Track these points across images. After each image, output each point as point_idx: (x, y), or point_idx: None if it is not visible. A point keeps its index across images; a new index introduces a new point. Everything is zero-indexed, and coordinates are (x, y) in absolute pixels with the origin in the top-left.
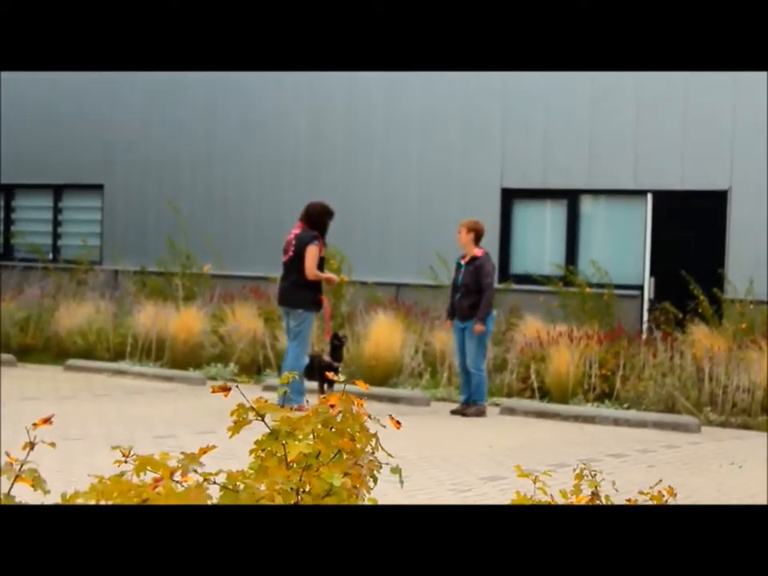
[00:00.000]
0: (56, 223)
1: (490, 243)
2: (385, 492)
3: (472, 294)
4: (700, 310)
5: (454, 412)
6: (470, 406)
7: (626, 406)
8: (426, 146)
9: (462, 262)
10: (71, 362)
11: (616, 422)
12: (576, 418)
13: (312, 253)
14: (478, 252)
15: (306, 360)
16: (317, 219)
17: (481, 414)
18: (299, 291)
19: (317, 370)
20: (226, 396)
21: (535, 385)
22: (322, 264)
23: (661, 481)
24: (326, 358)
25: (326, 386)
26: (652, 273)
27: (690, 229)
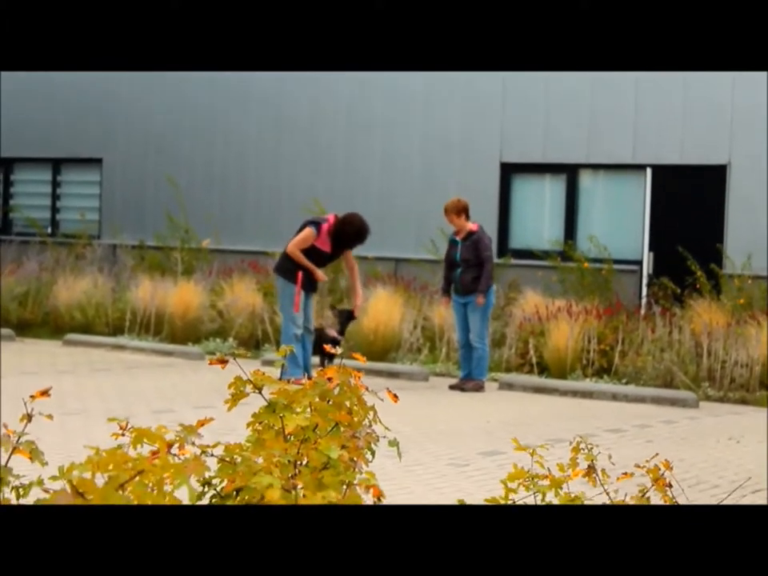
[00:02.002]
0: (54, 197)
1: (489, 217)
2: (382, 466)
3: (472, 269)
4: (698, 286)
5: (452, 387)
6: (469, 381)
7: (624, 381)
8: (426, 121)
9: (458, 238)
10: (70, 336)
11: (614, 397)
12: (574, 393)
13: (304, 233)
14: (472, 227)
15: (295, 330)
16: (340, 229)
17: (479, 389)
18: (282, 260)
19: (320, 344)
20: (223, 368)
21: (534, 360)
22: (323, 261)
23: (657, 454)
24: (331, 331)
25: (326, 360)
26: (651, 248)
27: (688, 204)
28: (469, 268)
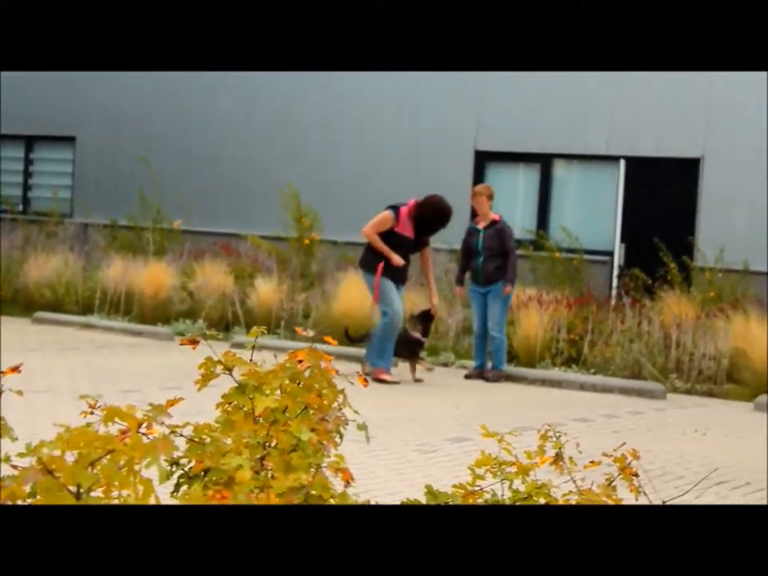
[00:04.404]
0: (26, 175)
1: (463, 205)
2: (349, 450)
3: (495, 258)
4: (669, 277)
5: (468, 376)
6: (491, 371)
7: (592, 371)
8: (401, 107)
9: (479, 227)
10: (39, 314)
11: (582, 386)
12: (543, 382)
13: (380, 216)
14: (495, 216)
15: (392, 319)
16: (420, 212)
17: (500, 378)
18: (363, 252)
19: (404, 346)
20: (193, 348)
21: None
22: (406, 248)
23: (624, 444)
24: (415, 333)
25: (413, 361)
26: (622, 239)
27: (661, 196)
28: (492, 257)
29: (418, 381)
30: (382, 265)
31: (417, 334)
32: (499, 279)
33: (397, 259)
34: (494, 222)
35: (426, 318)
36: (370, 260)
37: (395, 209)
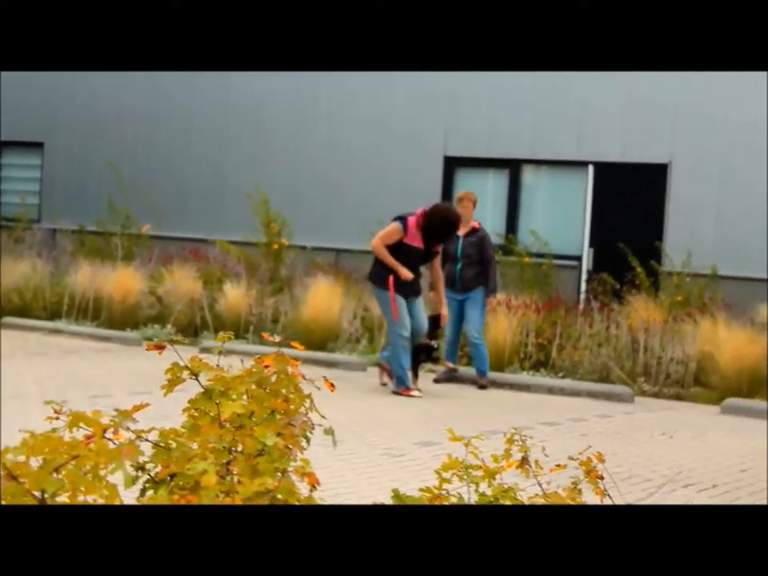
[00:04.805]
0: None
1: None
2: (317, 454)
3: (474, 265)
4: (637, 282)
5: (437, 380)
6: (481, 378)
7: (561, 375)
8: (371, 112)
9: (459, 234)
10: (6, 319)
11: (551, 390)
12: (511, 386)
13: (388, 228)
14: (476, 224)
15: (402, 339)
16: (427, 221)
17: (488, 384)
18: (372, 266)
19: (415, 352)
20: (160, 354)
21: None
22: (416, 259)
23: (590, 447)
24: (424, 339)
25: (419, 366)
26: (591, 244)
27: (629, 201)
28: (470, 264)
29: (416, 392)
30: (391, 278)
31: (426, 340)
32: (477, 286)
33: (405, 273)
34: (474, 230)
35: (433, 323)
36: (378, 274)
37: (402, 220)
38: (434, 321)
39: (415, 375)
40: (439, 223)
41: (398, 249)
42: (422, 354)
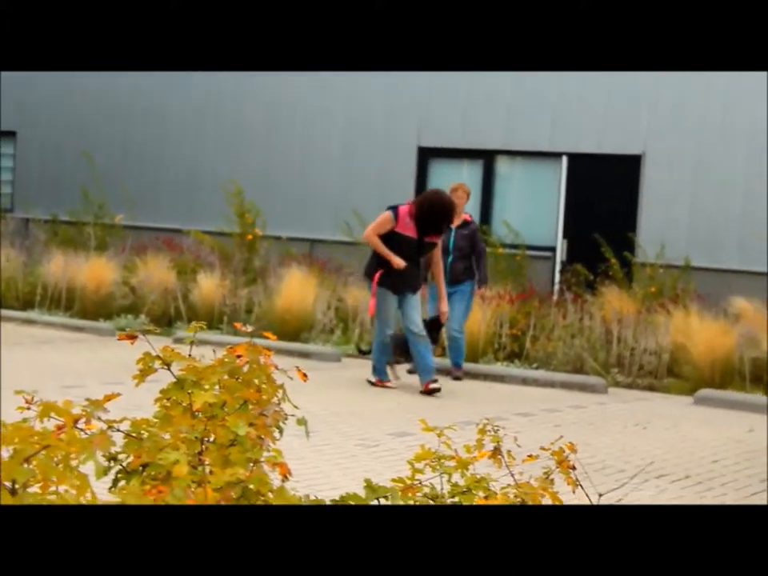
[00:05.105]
0: None
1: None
2: (290, 445)
3: (465, 258)
4: (611, 273)
5: (411, 371)
6: (457, 370)
7: (535, 365)
8: (346, 103)
9: (452, 226)
10: None
11: (524, 381)
12: (485, 377)
13: (379, 217)
14: (467, 216)
15: (383, 337)
16: (420, 208)
17: (463, 376)
18: (369, 259)
19: (400, 350)
20: (132, 344)
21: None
22: (412, 250)
23: (562, 437)
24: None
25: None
26: (565, 235)
27: (603, 192)
28: (462, 257)
29: (391, 383)
30: (379, 273)
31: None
32: (466, 279)
33: (397, 261)
34: (466, 222)
35: (432, 325)
36: (371, 267)
37: (394, 209)
38: (433, 323)
39: (394, 372)
40: (428, 210)
41: (390, 239)
42: (407, 355)
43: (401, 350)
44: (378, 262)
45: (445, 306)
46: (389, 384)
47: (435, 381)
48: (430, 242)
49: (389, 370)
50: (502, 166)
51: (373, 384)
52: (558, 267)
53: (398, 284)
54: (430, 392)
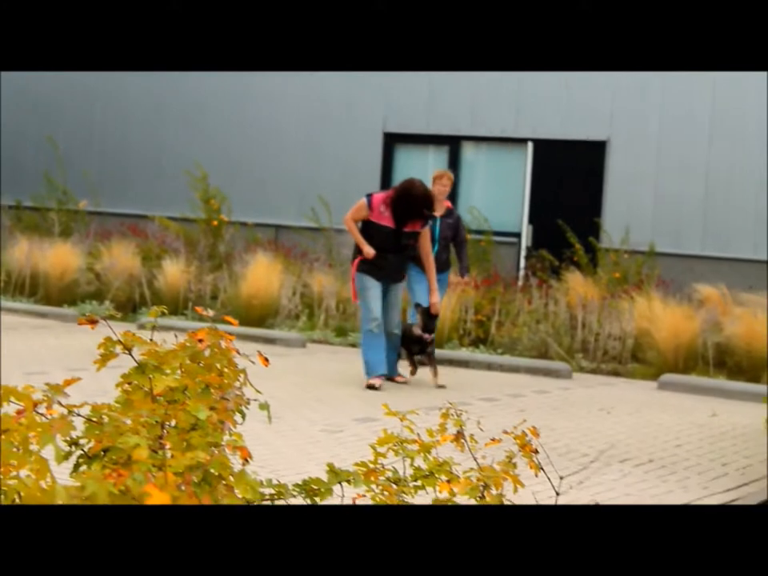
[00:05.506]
0: None
1: (372, 187)
2: (255, 430)
3: (448, 247)
4: (575, 259)
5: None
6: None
7: (500, 351)
8: (309, 88)
9: (437, 215)
10: None
11: (489, 366)
12: (450, 362)
13: (355, 205)
14: (448, 203)
15: (368, 326)
16: (395, 197)
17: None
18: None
19: (406, 342)
20: (93, 328)
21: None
22: (389, 240)
23: (525, 421)
24: (416, 330)
25: (414, 360)
26: (530, 220)
27: (568, 178)
28: (446, 247)
29: (403, 381)
30: (358, 260)
31: (418, 330)
32: (448, 268)
33: (367, 249)
34: (450, 211)
35: (425, 315)
36: (353, 253)
37: (369, 196)
38: (425, 312)
39: (413, 365)
40: (406, 200)
41: (366, 227)
42: (414, 346)
43: (410, 342)
44: (357, 249)
45: (435, 298)
46: (372, 382)
47: (380, 378)
48: (411, 232)
49: (403, 362)
50: (468, 151)
51: (374, 388)
52: (523, 253)
53: (375, 272)
54: (369, 386)
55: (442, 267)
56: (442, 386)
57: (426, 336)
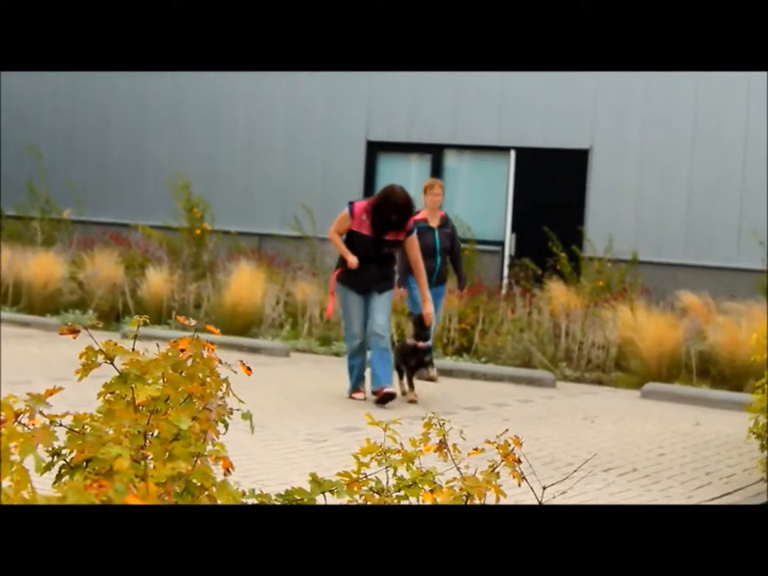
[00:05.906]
0: None
1: (355, 195)
2: (239, 440)
3: (447, 259)
4: (559, 267)
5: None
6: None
7: (483, 360)
8: (292, 97)
9: (432, 225)
10: None
11: (473, 375)
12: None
13: (339, 216)
14: (441, 213)
15: (351, 341)
16: (373, 205)
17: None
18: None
19: (400, 355)
20: (74, 338)
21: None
22: (371, 249)
23: (507, 430)
24: (410, 341)
25: (409, 374)
26: (513, 229)
27: (551, 186)
28: (446, 258)
29: (412, 401)
30: (338, 272)
31: (411, 341)
32: (446, 281)
33: (351, 260)
34: (446, 220)
35: (416, 323)
36: (336, 265)
37: (350, 204)
38: (418, 321)
39: (410, 385)
40: (382, 207)
41: (350, 237)
42: (411, 359)
43: (406, 356)
44: (340, 259)
45: (428, 308)
46: (356, 396)
47: (385, 386)
48: (392, 240)
49: (398, 379)
50: (451, 159)
51: (373, 399)
52: (506, 261)
53: (356, 283)
54: (382, 398)
55: (441, 281)
56: (432, 379)
57: (421, 344)
